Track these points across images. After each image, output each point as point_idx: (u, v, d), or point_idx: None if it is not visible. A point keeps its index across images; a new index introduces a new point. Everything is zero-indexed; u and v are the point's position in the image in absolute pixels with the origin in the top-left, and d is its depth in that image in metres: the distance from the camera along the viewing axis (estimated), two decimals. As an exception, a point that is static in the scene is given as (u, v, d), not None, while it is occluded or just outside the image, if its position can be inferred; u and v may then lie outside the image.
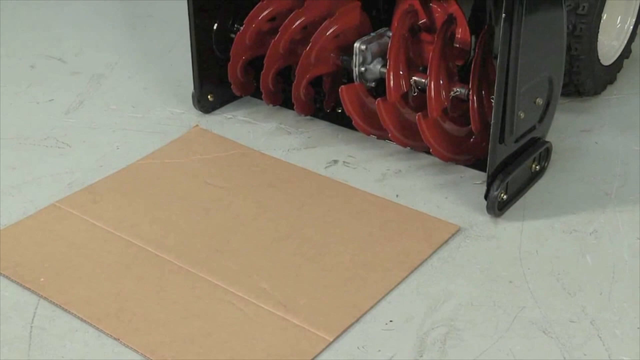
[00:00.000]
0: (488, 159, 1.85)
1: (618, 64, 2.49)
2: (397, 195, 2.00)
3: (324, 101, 2.30)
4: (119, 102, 2.45)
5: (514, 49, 1.75)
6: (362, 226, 1.88)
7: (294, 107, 2.26)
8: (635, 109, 2.40)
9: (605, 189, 2.03)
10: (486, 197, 1.87)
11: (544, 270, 1.75)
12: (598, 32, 2.28)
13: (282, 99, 2.33)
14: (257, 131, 2.28)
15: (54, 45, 2.83)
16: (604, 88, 2.45)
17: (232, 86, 2.32)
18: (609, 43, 2.44)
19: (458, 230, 1.87)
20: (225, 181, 2.05)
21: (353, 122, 2.13)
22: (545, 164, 2.06)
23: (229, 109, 2.38)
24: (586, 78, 2.31)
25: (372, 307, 1.65)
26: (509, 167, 1.90)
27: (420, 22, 2.17)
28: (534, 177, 2.02)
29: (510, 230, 1.88)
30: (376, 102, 2.02)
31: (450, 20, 2.06)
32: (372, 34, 2.16)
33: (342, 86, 2.10)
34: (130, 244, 1.82)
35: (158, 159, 2.14)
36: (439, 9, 2.16)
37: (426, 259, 1.78)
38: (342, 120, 2.25)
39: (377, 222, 1.89)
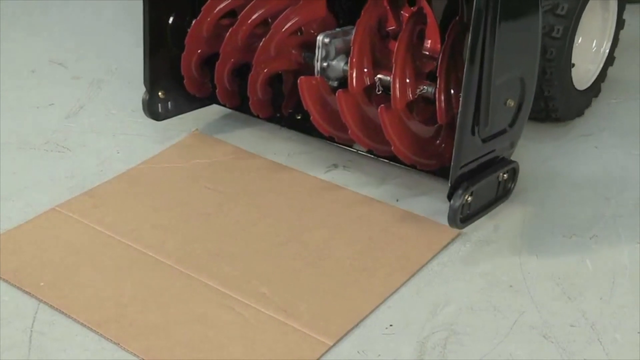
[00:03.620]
0: (453, 152, 1.73)
1: (594, 88, 2.37)
2: (397, 200, 2.00)
3: (282, 104, 2.17)
4: (119, 107, 2.45)
5: (490, 30, 1.65)
6: (362, 231, 1.88)
7: (249, 103, 2.11)
8: (635, 114, 2.40)
9: (605, 194, 2.03)
10: (449, 197, 1.77)
11: (544, 275, 1.75)
12: (571, 55, 2.17)
13: (240, 101, 2.18)
14: (256, 136, 2.28)
15: (55, 49, 2.83)
16: (580, 114, 2.33)
17: (185, 81, 2.17)
18: (585, 67, 2.32)
19: (458, 235, 1.87)
20: (225, 186, 2.05)
21: (311, 118, 1.99)
22: (512, 185, 1.95)
23: (229, 114, 2.38)
24: (560, 104, 2.20)
25: (372, 312, 1.65)
26: (475, 176, 1.80)
27: (389, 28, 2.03)
28: (501, 196, 1.93)
29: (510, 234, 1.88)
30: (337, 94, 1.89)
31: (420, 15, 1.93)
32: (338, 30, 2.04)
33: (301, 77, 1.96)
34: (131, 248, 1.82)
35: (158, 164, 2.15)
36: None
37: (426, 264, 1.78)
38: (301, 127, 2.14)
39: (377, 226, 1.89)
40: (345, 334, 1.59)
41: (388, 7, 2.01)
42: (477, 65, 1.67)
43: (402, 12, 2.02)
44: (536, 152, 2.19)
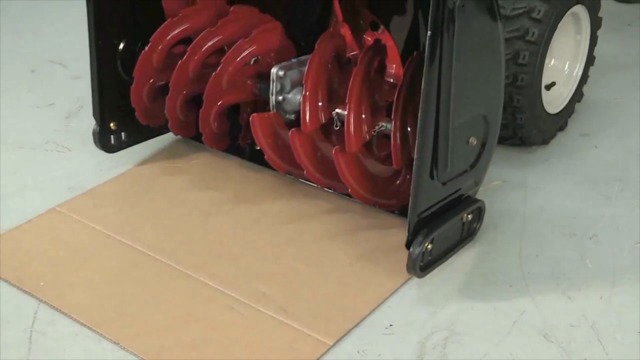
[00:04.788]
0: (410, 199, 1.60)
1: (568, 109, 2.27)
2: (397, 200, 2.00)
3: (240, 135, 2.05)
4: (120, 107, 2.45)
5: (445, 66, 1.52)
6: (362, 233, 1.87)
7: (202, 137, 2.00)
8: (635, 113, 2.40)
9: (605, 193, 2.03)
10: (408, 246, 1.65)
11: (544, 275, 1.75)
12: (541, 82, 2.06)
13: (196, 130, 2.02)
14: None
15: (55, 49, 2.83)
16: (553, 136, 2.23)
17: (136, 113, 2.03)
18: (557, 90, 2.22)
19: (458, 235, 1.86)
20: (226, 186, 2.05)
21: (265, 157, 1.90)
22: (478, 226, 1.83)
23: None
24: (531, 130, 2.10)
25: (372, 312, 1.64)
26: (435, 222, 1.67)
27: (350, 54, 1.93)
28: (466, 237, 1.81)
29: (510, 234, 1.87)
30: (290, 134, 1.79)
31: (378, 47, 1.83)
32: (293, 60, 1.91)
33: (254, 114, 1.85)
34: (131, 248, 1.82)
35: (158, 163, 2.14)
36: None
37: (426, 263, 1.78)
38: (261, 159, 1.96)
39: (376, 228, 1.89)
40: (345, 334, 1.59)
41: (349, 32, 1.93)
42: (432, 107, 1.55)
43: (364, 36, 1.95)
44: (536, 151, 2.19)
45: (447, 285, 1.72)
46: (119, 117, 2.07)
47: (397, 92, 1.71)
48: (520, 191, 2.04)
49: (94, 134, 2.07)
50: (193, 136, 2.11)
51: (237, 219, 1.93)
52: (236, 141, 2.08)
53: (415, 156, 1.58)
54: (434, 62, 1.51)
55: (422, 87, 1.53)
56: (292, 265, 1.77)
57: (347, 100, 1.72)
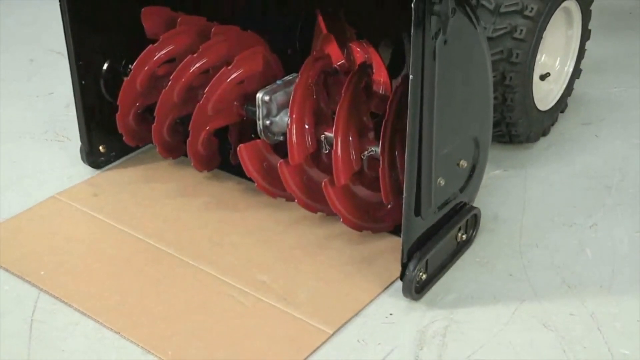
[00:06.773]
0: (402, 235, 1.59)
1: (560, 105, 2.25)
2: (397, 189, 2.00)
3: (230, 153, 2.00)
4: (119, 95, 2.44)
5: (427, 104, 1.47)
6: (362, 219, 1.88)
7: (192, 163, 1.96)
8: (635, 103, 2.40)
9: (605, 183, 2.03)
10: (402, 277, 1.62)
11: (543, 264, 1.75)
12: (532, 79, 2.03)
13: (184, 151, 1.97)
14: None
15: (53, 38, 2.82)
16: (545, 133, 2.21)
17: (124, 137, 2.01)
18: (547, 87, 2.20)
19: (458, 224, 1.86)
20: (226, 176, 2.05)
21: (256, 186, 1.86)
22: (473, 233, 1.80)
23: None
24: (522, 128, 2.08)
25: (372, 301, 1.65)
26: (428, 243, 1.64)
27: (338, 63, 1.92)
28: (461, 248, 1.77)
29: (510, 223, 1.88)
30: (278, 165, 1.77)
31: (364, 69, 1.80)
32: (279, 82, 1.85)
33: (241, 145, 1.83)
34: (131, 237, 1.82)
35: (159, 153, 2.14)
36: (359, 49, 1.95)
37: (426, 252, 1.78)
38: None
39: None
40: (346, 323, 1.59)
41: (335, 43, 1.93)
42: (420, 136, 1.51)
43: (349, 44, 1.95)
44: (538, 140, 2.19)
45: (447, 274, 1.72)
46: (107, 139, 2.05)
47: (383, 124, 1.65)
48: (520, 180, 2.04)
49: (81, 152, 2.05)
50: (181, 156, 2.07)
51: (237, 207, 1.93)
52: (226, 158, 2.02)
53: (404, 193, 1.55)
54: (417, 107, 1.47)
55: (407, 132, 1.49)
56: (292, 254, 1.77)
57: (333, 134, 1.69)
